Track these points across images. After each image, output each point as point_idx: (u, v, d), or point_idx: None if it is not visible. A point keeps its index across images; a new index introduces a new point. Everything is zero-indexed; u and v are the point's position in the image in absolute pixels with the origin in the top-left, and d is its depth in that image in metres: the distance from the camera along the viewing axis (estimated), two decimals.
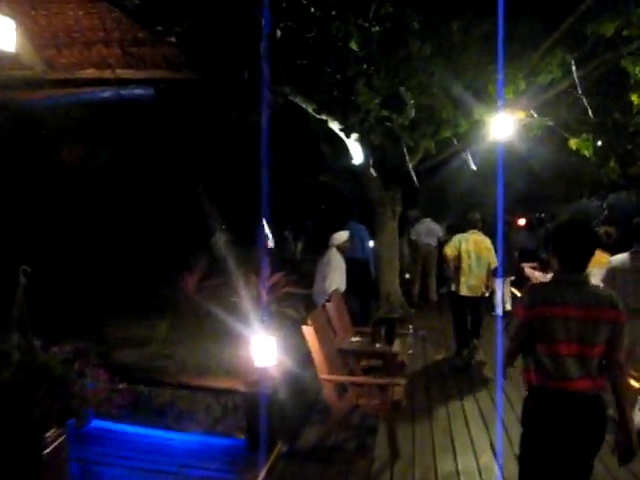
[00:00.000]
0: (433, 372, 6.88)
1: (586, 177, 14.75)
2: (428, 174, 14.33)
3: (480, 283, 7.34)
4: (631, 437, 2.70)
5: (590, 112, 8.65)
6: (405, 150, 8.54)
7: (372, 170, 9.23)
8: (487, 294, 7.63)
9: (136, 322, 6.96)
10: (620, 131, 9.29)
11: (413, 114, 6.32)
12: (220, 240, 18.48)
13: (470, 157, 9.73)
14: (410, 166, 8.63)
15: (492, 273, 7.45)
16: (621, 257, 4.93)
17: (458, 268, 7.34)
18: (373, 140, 7.23)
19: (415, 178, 8.69)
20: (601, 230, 6.70)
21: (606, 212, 22.97)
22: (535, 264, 8.43)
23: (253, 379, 4.19)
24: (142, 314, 6.87)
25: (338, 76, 6.34)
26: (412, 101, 6.18)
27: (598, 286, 3.04)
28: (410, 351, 7.64)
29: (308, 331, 4.39)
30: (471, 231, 7.48)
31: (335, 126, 7.64)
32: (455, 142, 9.12)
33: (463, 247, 7.31)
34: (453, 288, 7.48)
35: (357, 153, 9.12)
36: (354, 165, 9.30)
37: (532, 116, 8.15)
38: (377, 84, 6.12)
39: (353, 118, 6.69)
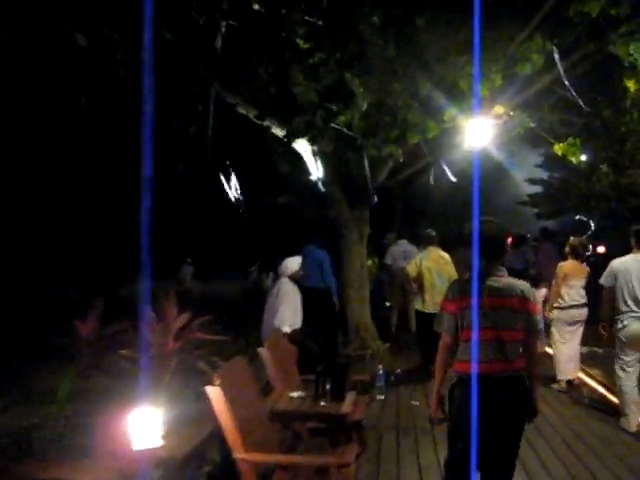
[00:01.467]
0: (406, 426, 5.56)
1: (574, 190, 13.73)
2: (403, 190, 13.29)
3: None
4: (536, 406, 3.12)
5: (579, 110, 7.63)
6: (366, 162, 7.44)
7: (334, 187, 8.10)
8: None
9: (32, 374, 5.71)
10: (611, 132, 8.25)
11: (365, 106, 5.20)
12: (187, 273, 17.25)
13: (447, 168, 8.67)
14: (370, 181, 7.51)
15: None
16: (624, 260, 5.29)
17: (422, 286, 7.31)
18: (324, 148, 6.13)
19: (375, 196, 7.56)
20: (575, 241, 6.79)
21: (593, 227, 22.00)
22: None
23: (129, 467, 2.93)
24: (39, 366, 5.60)
25: (270, 68, 5.21)
26: (361, 89, 5.05)
27: (513, 278, 3.17)
28: (381, 397, 6.41)
29: (213, 393, 3.15)
30: (430, 248, 7.47)
31: (280, 132, 6.52)
32: (425, 151, 8.06)
33: (424, 265, 7.26)
34: (419, 307, 7.45)
35: (315, 167, 8.00)
36: (313, 182, 8.17)
37: (510, 115, 7.04)
38: (321, 73, 5.01)
39: (297, 120, 5.56)
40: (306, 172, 8.21)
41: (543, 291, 7.37)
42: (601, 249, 17.08)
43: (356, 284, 8.21)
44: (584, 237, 20.64)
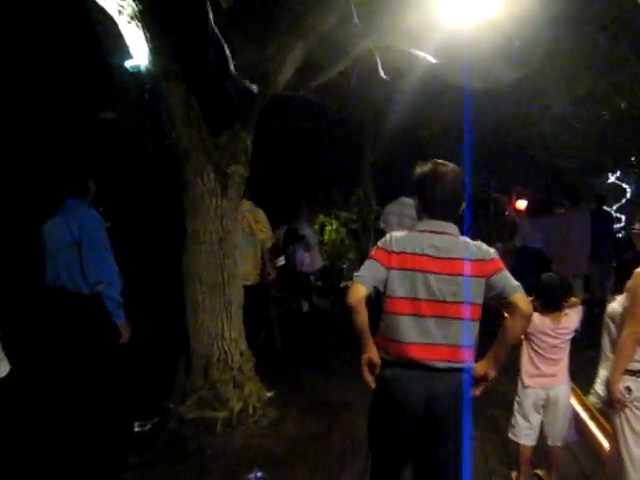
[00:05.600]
0: None
1: (619, 136, 9.36)
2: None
3: (253, 267, 5.70)
4: (487, 371, 2.32)
5: None
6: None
7: (170, 81, 3.99)
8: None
9: None
10: None
11: None
12: None
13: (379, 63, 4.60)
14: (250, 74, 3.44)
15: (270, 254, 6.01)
16: None
17: None
18: None
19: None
20: None
21: (629, 195, 17.73)
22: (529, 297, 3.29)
23: None
24: None
25: None
26: None
27: (465, 237, 2.31)
28: None
29: None
30: None
31: None
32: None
33: None
34: None
35: (135, 43, 3.92)
36: (135, 71, 4.09)
37: None
38: None
39: None
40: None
41: (574, 316, 3.26)
42: None
43: (209, 277, 4.17)
44: (616, 207, 16.51)
